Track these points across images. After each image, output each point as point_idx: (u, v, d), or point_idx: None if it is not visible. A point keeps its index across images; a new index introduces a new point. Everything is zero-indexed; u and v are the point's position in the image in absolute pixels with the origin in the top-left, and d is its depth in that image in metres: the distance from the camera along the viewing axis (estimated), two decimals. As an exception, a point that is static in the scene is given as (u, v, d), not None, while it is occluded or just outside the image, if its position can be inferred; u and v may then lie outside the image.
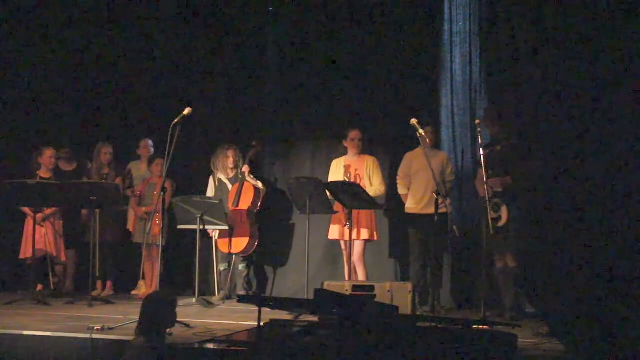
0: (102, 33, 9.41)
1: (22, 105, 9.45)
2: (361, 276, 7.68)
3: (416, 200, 7.60)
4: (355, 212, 7.38)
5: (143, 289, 8.47)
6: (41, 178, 8.19)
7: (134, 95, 9.38)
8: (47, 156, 8.34)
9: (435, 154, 7.44)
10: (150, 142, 8.83)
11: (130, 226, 8.73)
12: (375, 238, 7.79)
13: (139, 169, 8.89)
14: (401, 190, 7.78)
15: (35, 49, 9.43)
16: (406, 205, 7.71)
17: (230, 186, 8.44)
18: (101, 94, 9.46)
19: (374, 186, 7.72)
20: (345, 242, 7.49)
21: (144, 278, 8.59)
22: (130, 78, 9.39)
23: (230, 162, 8.47)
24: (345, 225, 7.44)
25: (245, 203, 8.21)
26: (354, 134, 7.88)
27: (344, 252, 7.70)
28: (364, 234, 7.64)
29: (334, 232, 7.85)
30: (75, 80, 9.48)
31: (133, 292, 8.60)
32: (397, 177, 7.81)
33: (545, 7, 7.84)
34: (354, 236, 7.49)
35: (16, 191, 7.69)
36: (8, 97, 9.39)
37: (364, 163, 7.86)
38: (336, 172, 7.93)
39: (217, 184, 8.53)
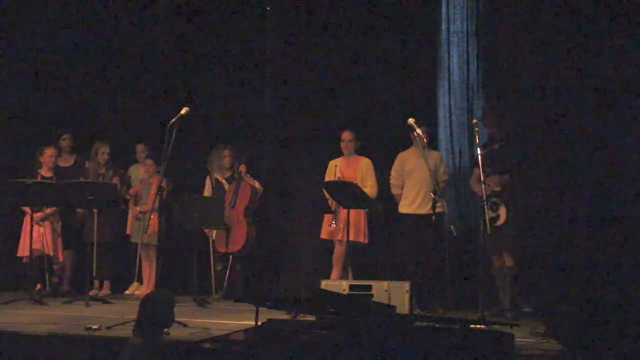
0: (101, 32, 9.41)
1: (22, 104, 9.45)
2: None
3: (409, 200, 7.57)
4: (344, 213, 7.37)
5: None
6: (42, 177, 8.23)
7: (132, 95, 9.38)
8: (48, 155, 8.37)
9: (429, 154, 7.43)
10: (142, 147, 8.84)
11: (128, 228, 8.72)
12: (363, 240, 7.74)
13: (137, 171, 8.89)
14: (394, 190, 7.74)
15: (34, 48, 9.42)
16: (399, 205, 7.69)
17: (227, 186, 8.45)
18: (99, 94, 9.45)
19: (366, 188, 7.56)
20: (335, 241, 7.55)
21: (139, 278, 8.61)
22: (128, 77, 9.39)
23: (226, 161, 8.48)
24: (331, 225, 7.51)
25: (242, 202, 8.21)
26: (344, 135, 7.87)
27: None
28: (350, 235, 7.55)
29: (324, 231, 7.85)
30: (73, 79, 9.47)
31: (127, 292, 8.65)
32: (391, 177, 7.77)
33: (543, 6, 7.85)
34: (340, 236, 7.51)
35: (14, 190, 7.70)
36: (7, 97, 9.39)
37: (358, 165, 7.84)
38: (333, 173, 7.92)
39: (213, 183, 8.54)
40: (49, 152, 8.38)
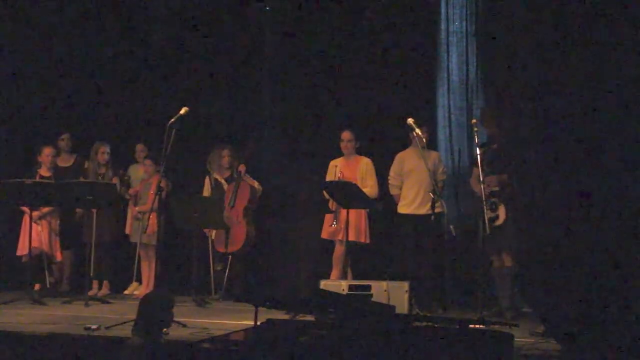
0: (99, 33, 9.41)
1: (22, 104, 9.45)
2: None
3: (408, 200, 7.56)
4: (344, 213, 7.36)
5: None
6: (41, 177, 8.24)
7: (131, 95, 9.38)
8: (46, 154, 8.38)
9: (428, 154, 7.41)
10: (142, 147, 8.85)
11: (128, 228, 8.73)
12: (364, 240, 7.73)
13: (137, 171, 8.90)
14: (393, 191, 7.73)
15: (34, 48, 9.42)
16: (399, 206, 7.68)
17: (226, 186, 8.45)
18: (99, 94, 9.46)
19: (367, 189, 7.56)
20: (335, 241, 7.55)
21: (138, 278, 8.61)
22: (127, 77, 9.39)
23: (225, 161, 8.48)
24: (331, 225, 7.51)
25: (241, 202, 8.21)
26: (344, 135, 7.86)
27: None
28: (350, 235, 7.52)
29: (325, 231, 7.85)
30: (73, 79, 9.47)
31: (126, 292, 8.65)
32: (389, 178, 7.75)
33: (542, 7, 7.85)
34: (341, 236, 7.51)
35: (13, 190, 7.70)
36: (7, 97, 9.39)
37: (358, 165, 7.84)
38: (333, 173, 7.92)
39: (213, 183, 8.54)
40: (47, 151, 8.39)
